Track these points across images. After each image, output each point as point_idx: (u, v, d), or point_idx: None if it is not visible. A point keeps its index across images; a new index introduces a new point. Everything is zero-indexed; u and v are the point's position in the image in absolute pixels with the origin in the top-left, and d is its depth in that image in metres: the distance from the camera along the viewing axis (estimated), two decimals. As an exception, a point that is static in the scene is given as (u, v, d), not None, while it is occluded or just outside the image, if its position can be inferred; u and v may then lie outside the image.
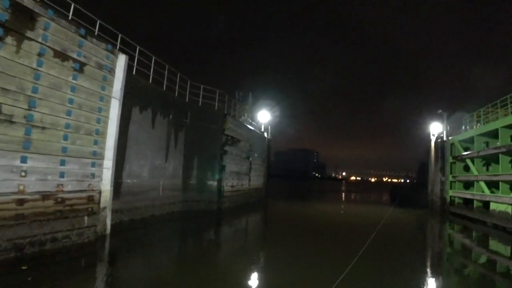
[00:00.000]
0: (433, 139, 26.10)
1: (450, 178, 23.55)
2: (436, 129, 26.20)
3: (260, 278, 7.59)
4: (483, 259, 11.21)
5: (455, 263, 10.67)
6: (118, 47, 10.56)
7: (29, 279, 6.29)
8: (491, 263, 10.58)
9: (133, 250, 9.35)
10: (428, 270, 9.33)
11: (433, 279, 8.30)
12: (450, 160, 23.75)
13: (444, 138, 24.79)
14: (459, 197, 22.64)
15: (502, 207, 16.55)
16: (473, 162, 20.80)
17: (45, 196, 7.75)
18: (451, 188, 23.53)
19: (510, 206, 15.85)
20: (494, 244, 13.64)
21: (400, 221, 20.09)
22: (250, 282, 7.21)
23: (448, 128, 25.03)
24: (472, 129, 22.05)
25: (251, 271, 8.14)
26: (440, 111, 25.53)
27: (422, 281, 8.04)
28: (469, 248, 13.05)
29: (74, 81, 8.45)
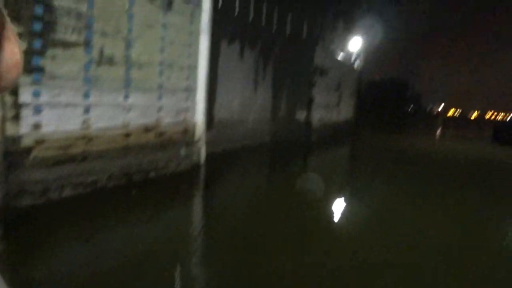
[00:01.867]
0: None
1: None
2: None
3: (347, 204, 7.71)
4: None
5: None
6: (203, -21, 10.41)
7: (152, 198, 7.30)
8: None
9: (226, 178, 10.08)
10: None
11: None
12: None
13: None
14: None
15: None
16: None
17: (146, 129, 8.51)
18: None
19: None
20: None
21: (501, 162, 18.20)
22: (334, 208, 7.36)
23: None
24: None
25: (338, 199, 8.30)
26: None
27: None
28: None
29: (164, 19, 8.68)
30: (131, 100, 7.97)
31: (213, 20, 10.52)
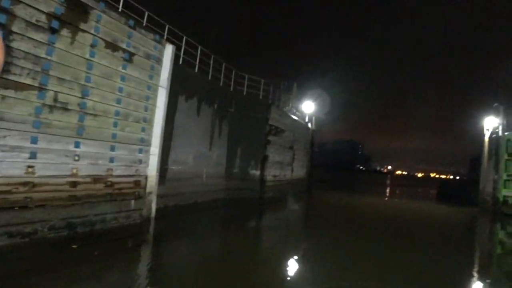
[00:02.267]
0: (487, 134, 24.45)
1: (504, 177, 21.89)
2: (491, 123, 24.45)
3: (300, 267, 7.62)
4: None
5: (505, 268, 10.03)
6: (165, 37, 10.86)
7: (96, 253, 6.83)
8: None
9: (177, 234, 9.73)
10: (474, 273, 8.86)
11: (479, 282, 7.87)
12: (505, 157, 22.05)
13: (500, 134, 23.09)
14: (513, 197, 21.06)
15: None
16: (531, 160, 19.21)
17: (96, 179, 8.21)
18: (504, 187, 21.87)
19: None
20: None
21: (446, 219, 19.31)
22: (288, 271, 7.25)
23: (505, 122, 23.27)
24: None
25: (291, 260, 8.19)
26: (496, 104, 23.82)
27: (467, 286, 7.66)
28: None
29: (123, 71, 8.82)
30: (82, 148, 7.76)
31: (173, 76, 10.83)
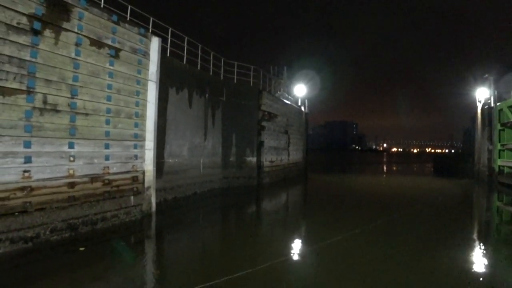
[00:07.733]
0: (479, 105, 24.61)
1: (499, 147, 22.12)
2: (482, 94, 24.59)
3: (302, 250, 7.71)
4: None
5: (504, 235, 10.22)
6: (150, 31, 10.73)
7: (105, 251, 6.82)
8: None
9: (178, 227, 9.78)
10: (476, 242, 9.02)
11: (481, 251, 8.02)
12: (498, 127, 22.22)
13: (492, 104, 23.20)
14: (509, 167, 21.32)
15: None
16: (524, 129, 19.38)
17: (93, 178, 8.21)
18: (499, 157, 22.10)
19: None
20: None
21: (444, 192, 19.51)
22: (292, 254, 7.33)
23: (496, 93, 23.38)
24: (523, 93, 20.42)
25: (293, 243, 8.29)
26: (486, 75, 23.91)
27: (469, 253, 7.80)
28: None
29: (111, 67, 8.73)
30: (76, 149, 7.73)
31: (161, 68, 10.74)
